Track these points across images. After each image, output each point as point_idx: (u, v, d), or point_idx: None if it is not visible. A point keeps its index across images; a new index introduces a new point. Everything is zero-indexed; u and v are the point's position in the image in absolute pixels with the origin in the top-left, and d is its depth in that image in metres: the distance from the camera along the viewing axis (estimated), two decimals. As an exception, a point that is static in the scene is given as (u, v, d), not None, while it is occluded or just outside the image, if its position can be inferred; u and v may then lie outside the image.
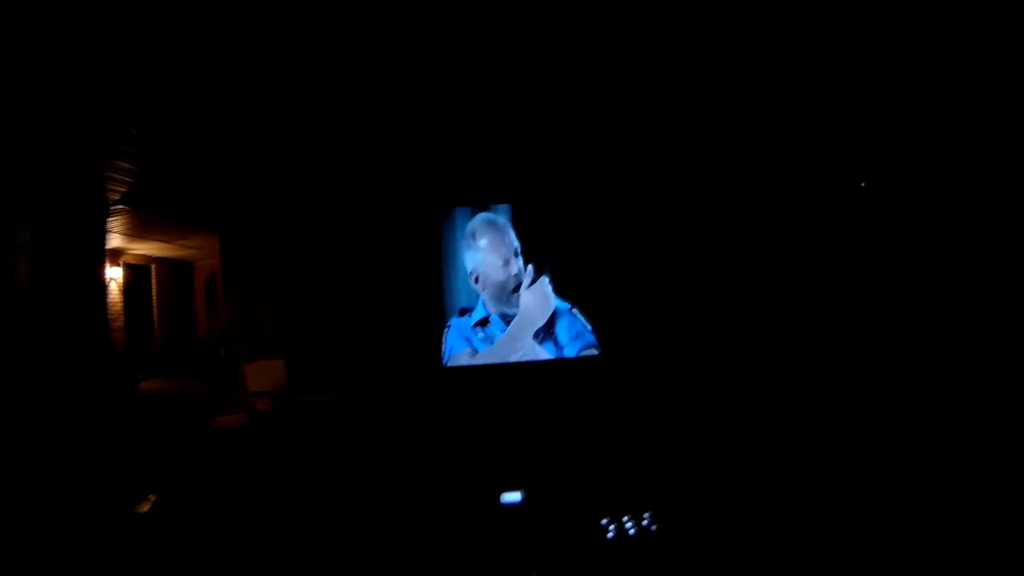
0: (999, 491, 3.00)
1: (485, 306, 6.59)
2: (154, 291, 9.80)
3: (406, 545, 2.86)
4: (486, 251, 6.61)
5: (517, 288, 6.50)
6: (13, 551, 2.90)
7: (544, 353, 6.52)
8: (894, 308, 5.72)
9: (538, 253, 6.61)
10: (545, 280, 6.47)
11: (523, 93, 4.90)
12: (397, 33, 3.94)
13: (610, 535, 2.71)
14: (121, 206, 6.50)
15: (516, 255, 6.59)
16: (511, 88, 4.82)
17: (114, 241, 7.95)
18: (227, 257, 7.14)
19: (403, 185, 6.85)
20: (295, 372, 6.49)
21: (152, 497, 3.74)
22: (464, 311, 6.62)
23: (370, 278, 6.81)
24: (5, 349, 5.02)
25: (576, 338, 6.56)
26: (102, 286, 6.76)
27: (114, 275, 8.50)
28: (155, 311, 9.80)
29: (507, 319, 6.52)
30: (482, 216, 6.69)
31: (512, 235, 6.63)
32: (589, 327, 6.58)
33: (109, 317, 7.32)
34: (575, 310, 6.56)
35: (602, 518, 2.84)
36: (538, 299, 6.47)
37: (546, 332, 6.53)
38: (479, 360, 6.49)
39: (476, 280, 6.58)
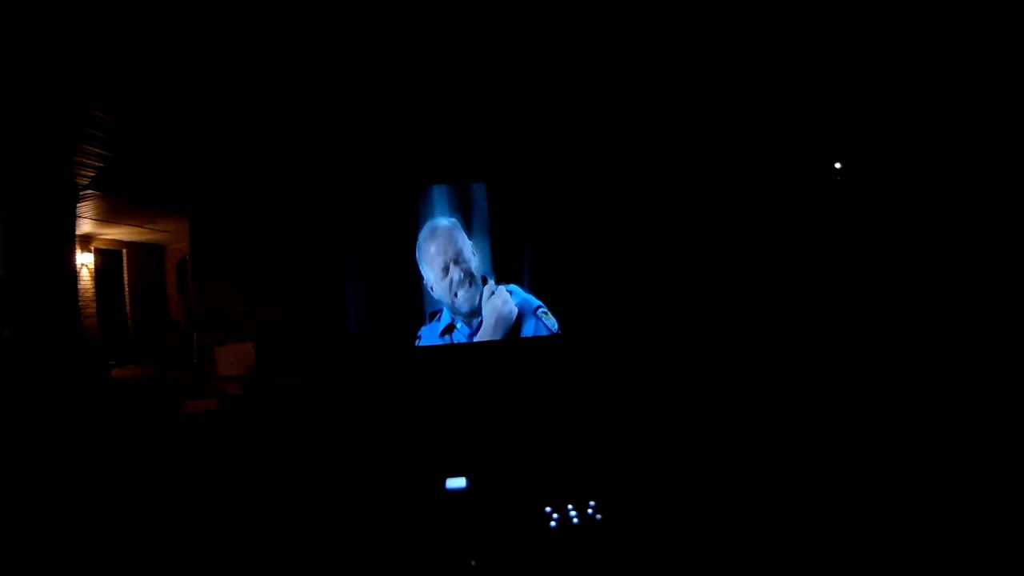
0: (981, 489, 3.05)
1: (449, 311, 6.66)
2: (126, 276, 9.72)
3: (348, 529, 2.91)
4: (428, 261, 6.70)
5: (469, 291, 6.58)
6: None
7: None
8: (864, 287, 5.81)
9: (515, 237, 6.70)
10: (502, 289, 6.55)
11: (500, 74, 4.91)
12: (367, 14, 3.95)
13: (553, 524, 2.77)
14: (91, 191, 6.45)
15: (458, 261, 6.63)
16: (488, 70, 4.84)
17: (84, 227, 7.89)
18: (196, 240, 7.10)
19: (375, 164, 6.86)
20: (265, 355, 6.49)
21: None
22: (433, 315, 6.72)
23: (340, 261, 6.84)
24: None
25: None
26: (73, 273, 6.70)
27: (85, 261, 8.44)
28: (127, 297, 9.72)
29: (471, 323, 6.60)
30: (428, 224, 6.75)
31: (460, 238, 6.68)
32: (555, 328, 6.67)
33: (80, 304, 7.27)
34: (542, 311, 6.64)
35: (546, 506, 2.90)
36: (497, 307, 6.55)
37: (512, 335, 6.62)
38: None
39: (432, 289, 6.67)
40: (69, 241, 6.47)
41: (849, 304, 5.92)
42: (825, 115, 5.92)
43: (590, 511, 2.85)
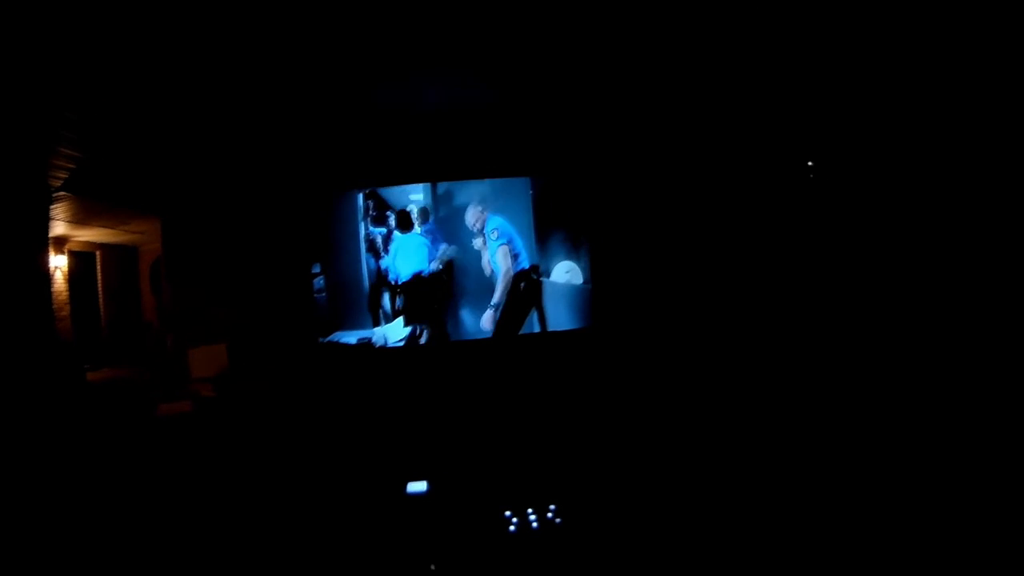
0: (970, 486, 3.09)
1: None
2: (99, 278, 9.64)
3: (312, 532, 2.94)
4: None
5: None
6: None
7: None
8: (839, 282, 5.89)
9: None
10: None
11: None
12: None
13: (512, 528, 2.82)
14: (64, 192, 6.41)
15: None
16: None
17: (58, 228, 7.83)
18: (169, 241, 7.06)
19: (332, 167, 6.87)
20: (237, 356, 6.46)
21: None
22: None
23: (311, 261, 6.82)
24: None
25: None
26: (46, 275, 6.65)
27: (59, 263, 8.37)
28: (101, 299, 9.64)
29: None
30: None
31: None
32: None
33: (54, 307, 7.21)
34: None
35: (506, 510, 2.95)
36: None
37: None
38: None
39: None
40: (43, 243, 6.43)
41: (825, 300, 6.01)
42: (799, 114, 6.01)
43: (550, 515, 2.91)
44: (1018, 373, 4.16)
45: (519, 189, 6.70)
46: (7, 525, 3.29)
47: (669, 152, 6.85)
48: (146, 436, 5.23)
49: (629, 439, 4.43)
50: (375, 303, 6.66)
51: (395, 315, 6.64)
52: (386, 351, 6.52)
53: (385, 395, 6.15)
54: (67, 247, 8.68)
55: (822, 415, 4.63)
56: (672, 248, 6.81)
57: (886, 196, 5.57)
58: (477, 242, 6.53)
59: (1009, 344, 4.37)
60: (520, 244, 6.53)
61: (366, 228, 6.65)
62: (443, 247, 6.57)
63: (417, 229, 6.59)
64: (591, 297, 6.71)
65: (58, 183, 6.15)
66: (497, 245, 6.38)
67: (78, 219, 7.67)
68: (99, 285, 9.62)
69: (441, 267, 6.56)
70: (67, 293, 8.41)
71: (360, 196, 6.67)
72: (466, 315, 6.70)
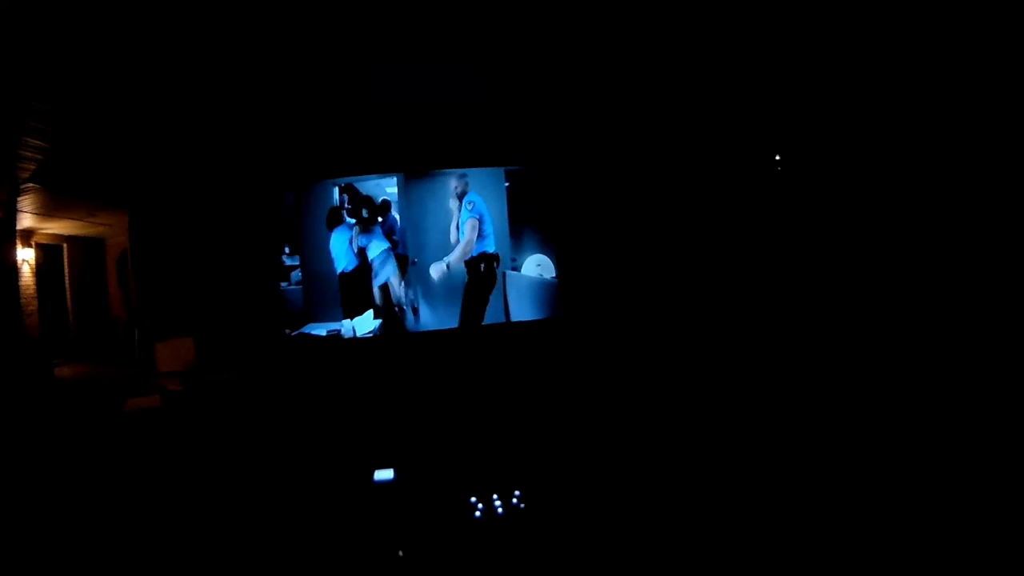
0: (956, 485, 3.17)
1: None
2: (67, 272, 9.50)
3: (281, 521, 2.98)
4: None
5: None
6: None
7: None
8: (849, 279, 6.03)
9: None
10: None
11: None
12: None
13: (478, 514, 2.90)
14: (31, 184, 6.33)
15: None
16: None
17: (25, 221, 7.70)
18: (136, 234, 7.00)
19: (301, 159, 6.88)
20: (204, 349, 6.43)
21: None
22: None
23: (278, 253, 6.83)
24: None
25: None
26: (14, 269, 6.55)
27: (26, 257, 8.21)
28: (68, 293, 9.49)
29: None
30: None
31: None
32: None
33: (22, 302, 7.10)
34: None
35: (471, 496, 3.03)
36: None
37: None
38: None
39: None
40: (10, 236, 6.34)
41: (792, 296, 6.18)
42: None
43: (515, 501, 3.00)
44: (994, 364, 4.28)
45: (494, 183, 6.81)
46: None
47: (643, 150, 6.97)
48: (113, 431, 5.20)
49: (592, 427, 4.52)
50: (344, 296, 6.71)
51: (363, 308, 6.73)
52: (354, 342, 6.56)
53: (353, 386, 6.18)
54: (34, 240, 8.53)
55: (785, 402, 4.77)
56: (640, 242, 6.95)
57: (850, 190, 5.74)
58: (452, 203, 6.61)
59: (986, 335, 4.49)
60: (490, 228, 6.64)
61: (343, 220, 6.69)
62: (373, 242, 6.66)
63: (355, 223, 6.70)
64: (559, 287, 6.86)
65: (26, 174, 6.07)
66: (468, 215, 6.48)
67: (46, 211, 7.56)
68: (66, 278, 9.47)
69: (359, 263, 6.64)
70: (35, 287, 8.26)
71: (335, 189, 6.70)
72: (430, 307, 6.80)
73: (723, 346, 6.26)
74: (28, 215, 7.51)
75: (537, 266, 6.94)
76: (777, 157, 6.51)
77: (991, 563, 2.51)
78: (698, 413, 4.75)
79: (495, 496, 3.03)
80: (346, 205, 6.68)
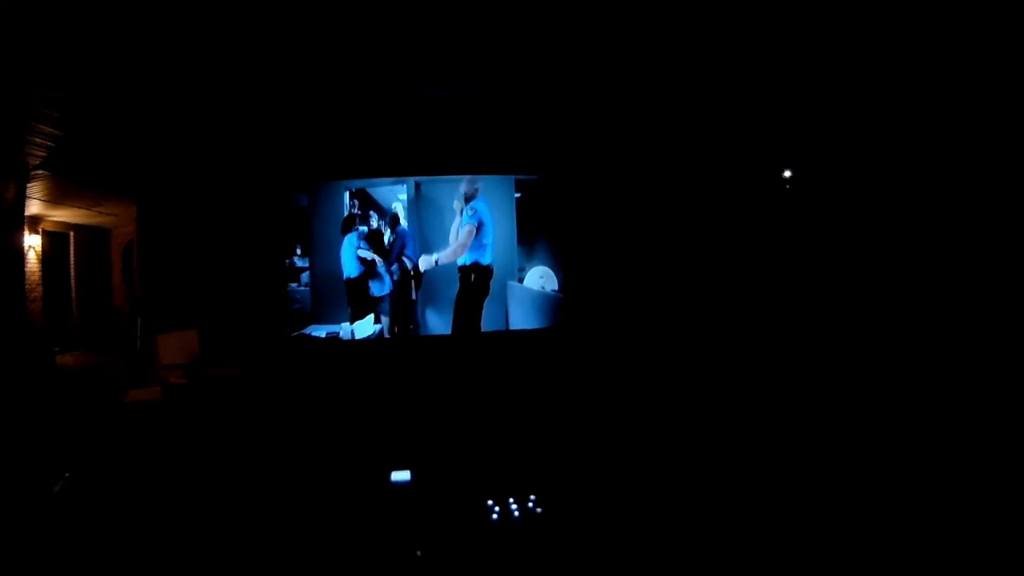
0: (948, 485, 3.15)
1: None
2: (72, 260, 9.46)
3: (295, 521, 2.95)
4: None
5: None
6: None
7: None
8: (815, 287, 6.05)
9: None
10: None
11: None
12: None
13: (495, 516, 2.87)
14: (41, 171, 6.30)
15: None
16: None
17: (32, 207, 7.66)
18: (144, 225, 6.97)
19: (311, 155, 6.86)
20: (209, 343, 6.39)
21: (67, 475, 3.68)
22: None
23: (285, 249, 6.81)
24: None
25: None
26: (20, 254, 6.52)
27: (32, 243, 8.18)
28: (73, 281, 9.46)
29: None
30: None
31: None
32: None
33: (27, 288, 7.07)
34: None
35: (488, 499, 3.01)
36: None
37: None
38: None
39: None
40: (18, 222, 6.31)
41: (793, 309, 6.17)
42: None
43: (531, 504, 2.97)
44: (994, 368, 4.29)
45: (504, 194, 6.83)
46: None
47: (656, 164, 6.96)
48: (114, 421, 5.16)
49: (605, 433, 4.51)
50: (349, 300, 6.74)
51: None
52: (355, 345, 6.56)
53: (353, 386, 6.15)
54: (41, 226, 8.49)
55: (791, 413, 4.75)
56: (650, 255, 6.93)
57: (861, 208, 5.74)
58: (456, 204, 6.61)
59: (985, 342, 4.50)
60: (490, 238, 6.63)
61: (355, 225, 6.71)
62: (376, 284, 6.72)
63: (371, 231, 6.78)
64: (564, 298, 6.86)
65: (36, 161, 6.04)
66: (467, 221, 6.46)
67: (54, 198, 7.53)
68: (71, 267, 9.43)
69: (364, 270, 6.66)
70: (40, 274, 8.23)
71: (346, 193, 6.72)
72: (434, 314, 6.86)
73: (733, 357, 6.25)
74: (36, 201, 7.48)
75: (540, 278, 6.95)
76: (786, 174, 6.49)
77: (991, 563, 2.51)
78: (709, 420, 4.74)
79: (511, 500, 3.01)
80: (356, 211, 6.70)
